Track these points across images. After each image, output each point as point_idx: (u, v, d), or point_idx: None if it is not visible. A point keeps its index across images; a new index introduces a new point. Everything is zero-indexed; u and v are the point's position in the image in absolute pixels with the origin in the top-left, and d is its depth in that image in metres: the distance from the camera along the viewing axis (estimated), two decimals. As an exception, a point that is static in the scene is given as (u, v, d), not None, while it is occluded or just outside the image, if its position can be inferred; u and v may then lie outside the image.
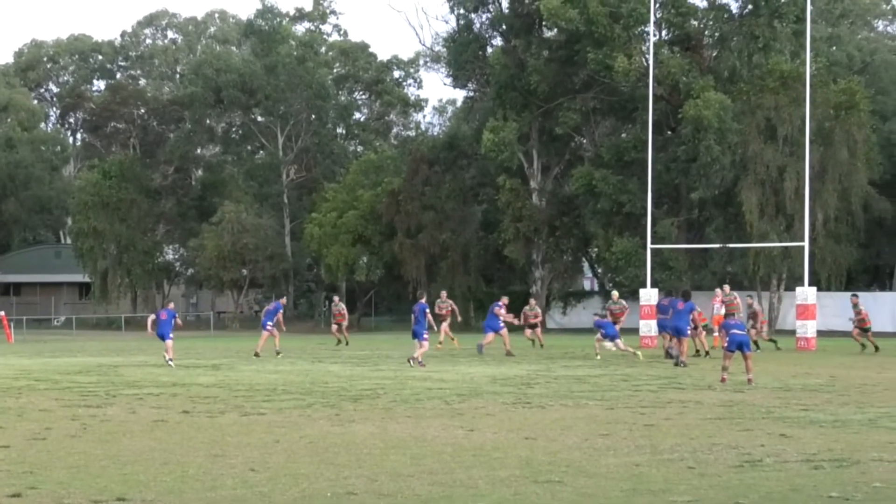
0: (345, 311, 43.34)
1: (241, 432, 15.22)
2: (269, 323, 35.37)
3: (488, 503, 10.04)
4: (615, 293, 40.12)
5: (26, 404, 19.29)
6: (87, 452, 13.25)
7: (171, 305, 33.46)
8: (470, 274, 64.21)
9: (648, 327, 40.15)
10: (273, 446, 13.82)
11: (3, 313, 58.70)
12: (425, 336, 29.75)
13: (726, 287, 37.20)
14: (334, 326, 43.02)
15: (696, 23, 58.47)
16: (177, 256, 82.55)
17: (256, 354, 34.33)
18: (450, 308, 40.47)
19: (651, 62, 49.37)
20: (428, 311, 31.11)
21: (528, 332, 39.65)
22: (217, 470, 11.84)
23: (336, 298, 47.08)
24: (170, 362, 29.87)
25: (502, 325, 35.67)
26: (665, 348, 32.12)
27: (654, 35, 53.04)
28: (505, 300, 37.28)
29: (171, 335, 30.89)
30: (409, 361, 29.12)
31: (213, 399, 20.10)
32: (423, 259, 63.68)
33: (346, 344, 41.76)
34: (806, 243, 42.62)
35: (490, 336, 35.68)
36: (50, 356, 38.11)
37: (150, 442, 14.27)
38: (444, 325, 39.54)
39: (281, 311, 36.07)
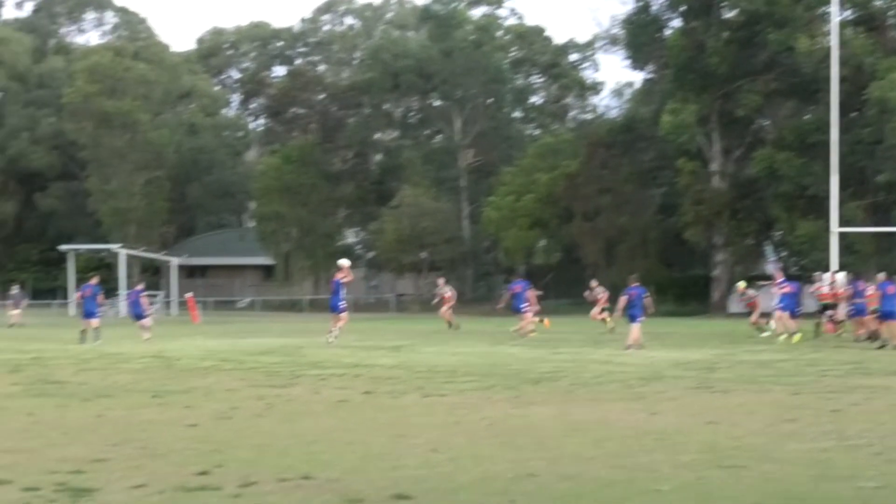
0: (451, 293, 42.28)
1: (422, 413, 15.27)
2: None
3: (671, 487, 9.88)
4: (741, 284, 40.05)
5: (213, 384, 19.73)
6: (272, 431, 13.46)
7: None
8: (649, 257, 63.48)
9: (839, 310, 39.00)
10: (454, 427, 13.83)
11: (190, 295, 60.49)
12: (640, 319, 29.34)
13: None
14: (445, 310, 42.06)
15: (879, 2, 56.72)
16: (357, 239, 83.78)
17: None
18: (601, 296, 40.48)
19: (834, 42, 47.98)
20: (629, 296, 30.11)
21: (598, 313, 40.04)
22: (400, 450, 11.91)
23: (441, 281, 45.04)
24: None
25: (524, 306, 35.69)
26: (860, 333, 31.44)
27: (837, 15, 51.53)
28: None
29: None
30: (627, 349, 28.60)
31: (394, 380, 20.24)
32: (601, 242, 63.22)
33: (457, 328, 40.84)
34: None
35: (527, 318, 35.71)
36: (235, 337, 39.02)
37: (333, 421, 14.43)
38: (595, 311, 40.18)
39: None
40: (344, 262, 32.83)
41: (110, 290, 64.06)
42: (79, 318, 36.79)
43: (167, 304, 73.94)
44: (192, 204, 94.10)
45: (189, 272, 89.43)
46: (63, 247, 75.77)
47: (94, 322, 33.89)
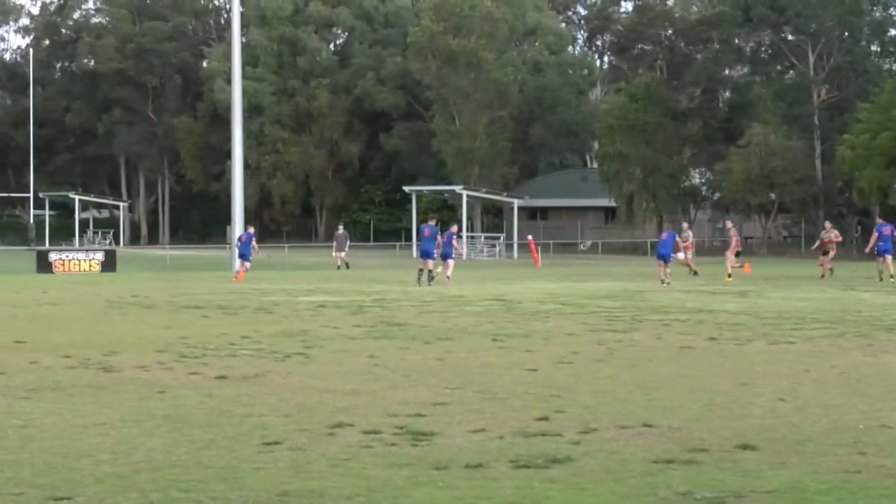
0: (736, 239, 39.46)
1: (769, 361, 15.02)
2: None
3: None
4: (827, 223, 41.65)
5: (553, 328, 19.97)
6: (613, 377, 13.53)
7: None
8: None
9: None
10: (802, 376, 13.54)
11: (530, 237, 61.33)
12: None
13: None
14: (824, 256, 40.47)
15: None
16: (703, 180, 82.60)
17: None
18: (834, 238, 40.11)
19: None
20: None
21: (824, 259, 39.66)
22: (744, 398, 11.73)
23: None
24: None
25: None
26: None
27: None
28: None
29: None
30: None
31: (740, 326, 19.94)
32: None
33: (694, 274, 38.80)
34: None
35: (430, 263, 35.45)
36: (576, 280, 39.38)
37: (675, 368, 14.37)
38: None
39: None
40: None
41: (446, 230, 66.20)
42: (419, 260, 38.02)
43: (507, 246, 75.22)
44: (535, 144, 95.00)
45: (530, 214, 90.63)
46: (407, 188, 78.32)
47: (439, 263, 35.25)
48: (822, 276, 38.70)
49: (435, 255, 35.19)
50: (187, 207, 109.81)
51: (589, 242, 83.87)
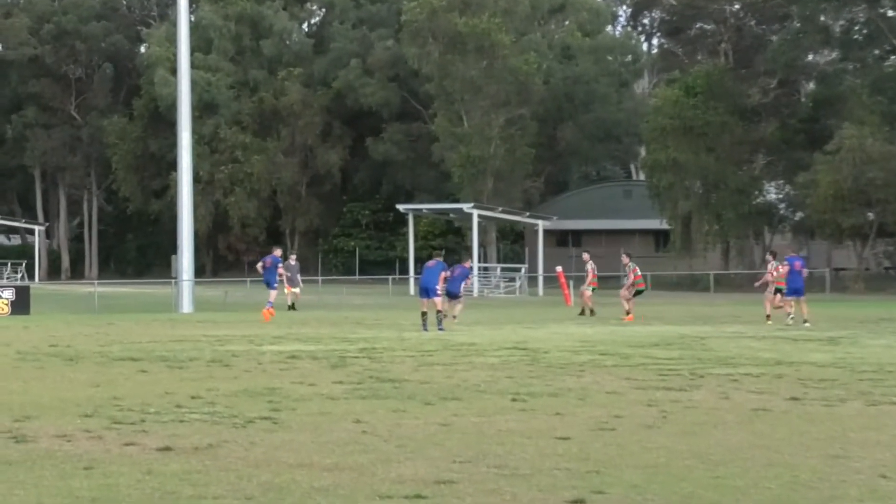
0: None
1: (867, 426, 15.03)
2: None
3: None
4: None
5: (590, 384, 19.97)
6: (667, 447, 13.53)
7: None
8: None
9: None
10: (911, 448, 13.57)
11: (560, 269, 61.34)
12: None
13: None
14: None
15: None
16: (780, 196, 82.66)
17: None
18: None
19: None
20: None
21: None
22: (837, 475, 11.73)
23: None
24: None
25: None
26: None
27: None
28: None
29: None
30: None
31: (830, 382, 19.97)
32: None
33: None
34: None
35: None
36: (618, 324, 39.34)
37: (747, 437, 14.37)
38: None
39: None
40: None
41: (455, 262, 66.22)
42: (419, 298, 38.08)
43: (531, 280, 75.29)
44: (565, 150, 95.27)
45: (559, 239, 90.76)
46: (402, 206, 78.43)
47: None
48: None
49: (439, 291, 35.23)
50: (121, 232, 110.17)
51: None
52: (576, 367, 23.01)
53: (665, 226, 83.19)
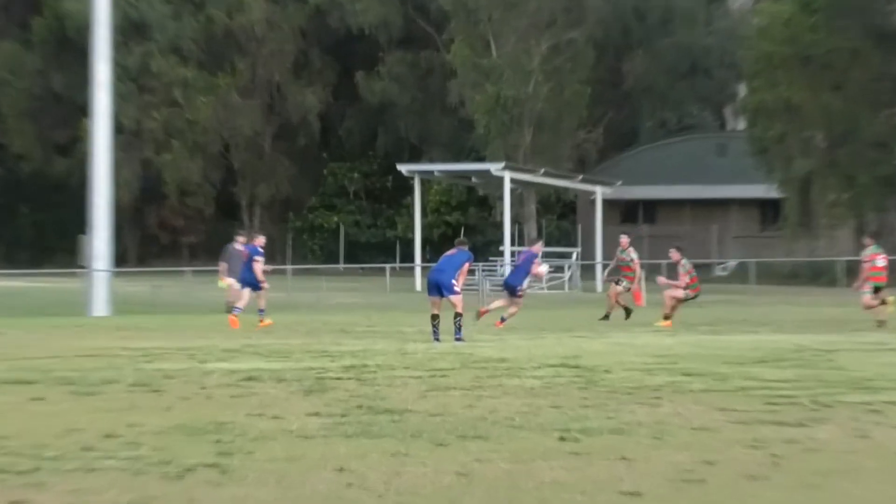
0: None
1: None
2: None
3: None
4: None
5: (669, 417, 19.79)
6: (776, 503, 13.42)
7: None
8: None
9: None
10: None
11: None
12: None
13: None
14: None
15: None
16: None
17: None
18: None
19: None
20: None
21: None
22: None
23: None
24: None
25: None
26: None
27: None
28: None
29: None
30: None
31: None
32: None
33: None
34: None
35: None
36: (709, 331, 39.26)
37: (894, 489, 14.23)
38: None
39: None
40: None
41: (487, 243, 65.55)
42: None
43: (585, 269, 75.42)
44: (633, 90, 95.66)
45: (626, 212, 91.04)
46: (405, 167, 78.36)
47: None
48: None
49: (457, 289, 34.94)
50: (11, 203, 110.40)
51: (733, 262, 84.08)
52: (649, 393, 22.86)
53: (774, 194, 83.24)
